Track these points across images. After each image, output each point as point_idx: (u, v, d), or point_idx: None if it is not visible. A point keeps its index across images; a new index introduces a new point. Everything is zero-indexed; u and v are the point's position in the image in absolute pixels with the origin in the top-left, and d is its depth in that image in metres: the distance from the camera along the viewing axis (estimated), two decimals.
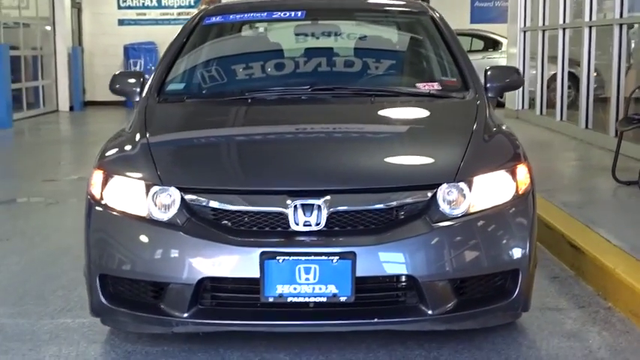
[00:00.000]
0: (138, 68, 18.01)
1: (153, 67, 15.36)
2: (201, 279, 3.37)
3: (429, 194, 3.45)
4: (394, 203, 3.43)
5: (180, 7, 19.19)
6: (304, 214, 3.37)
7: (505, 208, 3.55)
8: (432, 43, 4.94)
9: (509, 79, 4.53)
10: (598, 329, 3.99)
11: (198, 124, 4.27)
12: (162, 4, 19.25)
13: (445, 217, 3.43)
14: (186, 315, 3.40)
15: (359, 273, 3.30)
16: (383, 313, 3.42)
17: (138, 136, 3.89)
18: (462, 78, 4.50)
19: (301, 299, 3.32)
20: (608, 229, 5.27)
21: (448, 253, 3.40)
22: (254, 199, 3.45)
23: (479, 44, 16.99)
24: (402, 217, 3.43)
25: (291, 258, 3.30)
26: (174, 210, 3.46)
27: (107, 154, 3.84)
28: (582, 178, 7.96)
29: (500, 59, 15.68)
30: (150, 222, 3.48)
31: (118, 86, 4.57)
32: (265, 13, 5.14)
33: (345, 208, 3.40)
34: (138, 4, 19.26)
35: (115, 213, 3.55)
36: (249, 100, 4.36)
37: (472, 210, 3.48)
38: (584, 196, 6.77)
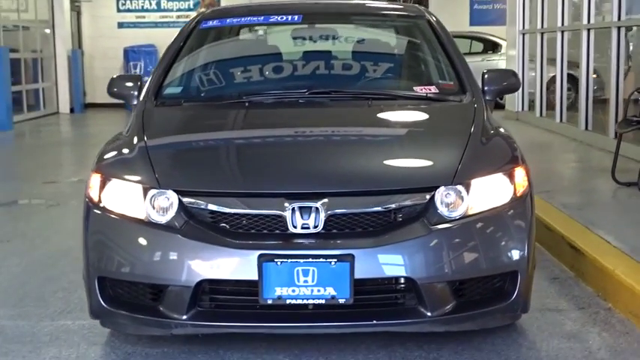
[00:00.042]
0: (138, 71, 18.03)
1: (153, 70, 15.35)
2: (200, 281, 3.37)
3: (427, 197, 3.46)
4: (392, 206, 3.43)
5: (179, 10, 19.20)
6: (302, 217, 3.37)
7: (503, 210, 3.55)
8: (429, 47, 4.94)
9: (506, 82, 4.53)
10: (598, 330, 4.00)
11: (196, 128, 4.27)
12: (162, 7, 19.26)
13: (443, 220, 3.43)
14: (185, 317, 3.41)
15: (357, 275, 3.30)
16: (382, 315, 3.42)
17: (135, 140, 3.90)
18: (459, 81, 4.51)
19: (300, 301, 3.32)
20: (608, 230, 5.27)
21: (447, 255, 3.40)
22: (252, 202, 3.46)
23: (478, 46, 16.98)
24: (400, 219, 3.44)
25: (290, 260, 3.30)
26: (172, 213, 3.46)
27: (105, 157, 3.84)
28: (582, 179, 7.96)
29: (499, 61, 15.70)
30: (148, 225, 3.48)
31: (115, 90, 4.57)
32: (262, 17, 5.12)
33: (343, 210, 3.40)
34: (137, 7, 19.26)
35: (113, 216, 3.55)
36: (247, 104, 4.36)
37: (470, 212, 3.48)
38: (584, 198, 6.77)
